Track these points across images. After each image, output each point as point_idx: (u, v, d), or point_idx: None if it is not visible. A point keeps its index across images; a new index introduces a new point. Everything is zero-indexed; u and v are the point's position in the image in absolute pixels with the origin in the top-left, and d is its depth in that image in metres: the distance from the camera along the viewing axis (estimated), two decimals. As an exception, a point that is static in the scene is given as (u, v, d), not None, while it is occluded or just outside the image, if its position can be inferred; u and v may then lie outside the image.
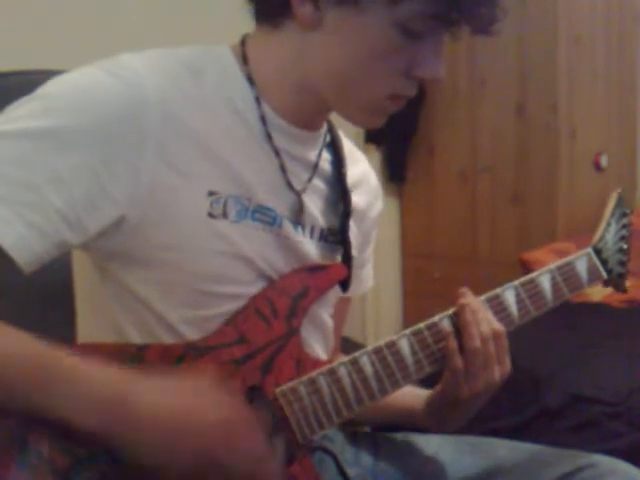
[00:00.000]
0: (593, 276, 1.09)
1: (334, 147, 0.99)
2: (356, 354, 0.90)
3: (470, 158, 2.88)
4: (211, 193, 0.84)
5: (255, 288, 0.88)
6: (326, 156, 0.98)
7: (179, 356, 0.83)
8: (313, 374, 0.88)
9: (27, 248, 0.76)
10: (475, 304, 0.95)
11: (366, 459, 1.08)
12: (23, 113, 0.79)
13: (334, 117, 1.01)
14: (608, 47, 2.89)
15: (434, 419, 1.04)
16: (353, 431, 1.14)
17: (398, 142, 2.93)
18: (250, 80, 0.89)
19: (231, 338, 0.86)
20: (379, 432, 1.16)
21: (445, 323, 0.94)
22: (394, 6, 0.81)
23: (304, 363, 0.89)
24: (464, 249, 2.92)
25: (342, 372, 0.89)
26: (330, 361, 0.91)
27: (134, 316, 0.86)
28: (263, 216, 0.89)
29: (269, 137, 0.89)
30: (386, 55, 0.84)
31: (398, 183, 3.03)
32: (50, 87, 0.81)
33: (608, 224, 1.13)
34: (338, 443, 1.08)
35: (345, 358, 0.90)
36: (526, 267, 2.26)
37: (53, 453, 0.74)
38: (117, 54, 0.84)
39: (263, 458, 0.77)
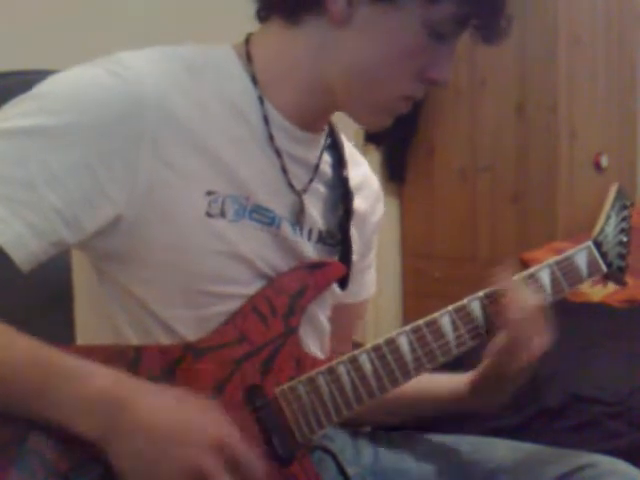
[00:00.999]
0: (593, 270, 1.08)
1: (335, 149, 0.99)
2: (355, 352, 0.90)
3: (470, 158, 2.87)
4: (209, 193, 0.84)
5: (253, 288, 0.88)
6: (327, 158, 0.98)
7: (178, 357, 0.83)
8: (312, 373, 0.88)
9: (24, 247, 0.76)
10: (515, 282, 0.97)
11: (366, 458, 1.08)
12: (20, 111, 0.79)
13: (333, 118, 1.01)
14: (608, 47, 2.89)
15: (480, 399, 1.03)
16: (353, 430, 1.14)
17: (398, 142, 2.93)
18: (253, 79, 0.89)
19: (230, 338, 0.86)
20: (379, 431, 1.16)
21: (475, 305, 0.95)
22: (430, 6, 0.82)
23: (303, 362, 0.89)
24: (464, 249, 2.91)
25: (341, 370, 0.88)
26: (329, 360, 0.91)
27: (132, 316, 0.86)
28: (261, 216, 0.88)
29: (271, 137, 0.89)
30: (411, 55, 0.86)
31: (398, 183, 3.03)
32: (48, 85, 0.81)
33: (608, 217, 1.12)
34: (338, 442, 1.08)
35: (344, 356, 0.89)
36: (526, 267, 2.26)
37: (55, 456, 0.74)
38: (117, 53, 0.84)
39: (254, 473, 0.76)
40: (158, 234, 0.82)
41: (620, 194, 1.15)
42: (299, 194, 0.92)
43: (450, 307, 0.95)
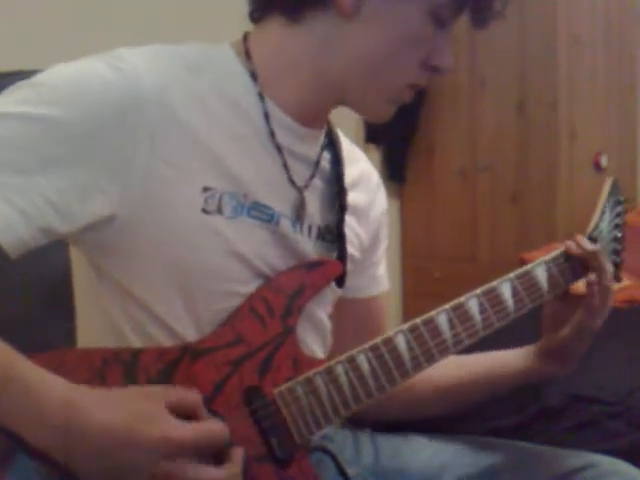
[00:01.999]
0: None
1: (333, 146, 0.99)
2: (353, 352, 0.89)
3: (470, 158, 2.87)
4: (206, 189, 0.84)
5: (251, 286, 0.88)
6: (326, 155, 0.98)
7: (175, 359, 0.83)
8: (310, 373, 0.87)
9: (12, 232, 0.75)
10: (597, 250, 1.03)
11: (366, 459, 1.08)
12: (19, 98, 0.78)
13: (332, 117, 1.01)
14: (608, 47, 2.89)
15: (556, 364, 1.07)
16: (353, 430, 1.14)
17: (398, 142, 2.93)
18: (253, 77, 0.89)
19: (228, 339, 0.86)
20: (379, 432, 1.16)
21: (472, 304, 0.96)
22: None
23: (301, 362, 0.89)
24: (464, 249, 2.91)
25: (339, 370, 0.88)
26: (326, 360, 0.91)
27: (130, 314, 0.86)
28: (260, 213, 0.88)
29: (272, 134, 0.89)
30: (417, 43, 0.87)
31: (398, 183, 3.03)
32: (48, 75, 0.81)
33: (602, 212, 1.11)
34: (338, 443, 1.08)
35: (342, 356, 0.89)
36: (526, 267, 2.26)
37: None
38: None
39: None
40: (153, 230, 0.82)
41: (614, 189, 1.14)
42: (300, 190, 0.92)
43: (447, 305, 0.95)
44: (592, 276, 1.01)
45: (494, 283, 0.99)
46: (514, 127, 2.76)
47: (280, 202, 0.90)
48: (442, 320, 0.94)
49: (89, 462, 0.70)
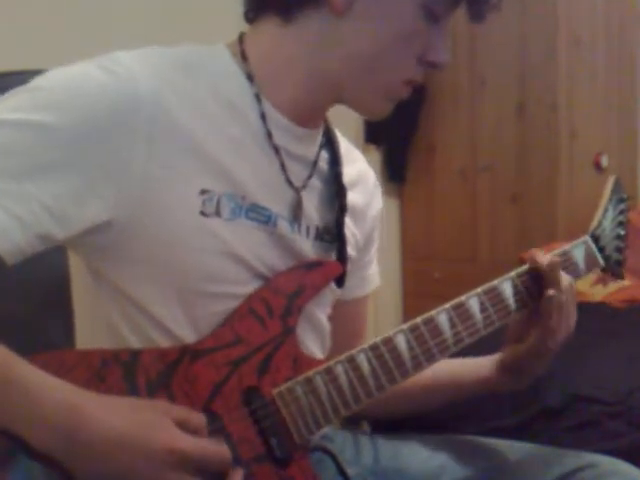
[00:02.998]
0: (590, 264, 1.08)
1: (331, 146, 0.99)
2: (353, 352, 0.89)
3: (470, 158, 2.87)
4: (203, 191, 0.84)
5: (250, 288, 0.88)
6: (323, 155, 0.98)
7: (174, 360, 0.82)
8: (310, 373, 0.87)
9: (9, 238, 0.74)
10: (553, 261, 0.98)
11: (366, 458, 1.08)
12: (14, 104, 0.78)
13: (332, 117, 1.01)
14: (608, 47, 2.89)
15: (512, 378, 1.04)
16: (353, 430, 1.14)
17: (398, 142, 2.93)
18: (250, 78, 0.89)
19: (227, 340, 0.85)
20: (379, 432, 1.16)
21: (473, 302, 0.95)
22: None
23: (300, 362, 0.88)
24: (464, 249, 2.91)
25: (339, 370, 0.88)
26: (326, 360, 0.90)
27: (129, 317, 0.85)
28: (258, 215, 0.88)
29: (269, 135, 0.89)
30: (411, 38, 0.87)
31: (398, 183, 3.03)
32: (43, 81, 0.81)
33: (605, 210, 1.11)
34: (338, 443, 1.08)
35: (342, 356, 0.89)
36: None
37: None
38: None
39: None
40: (151, 233, 0.82)
41: (617, 187, 1.14)
42: (297, 191, 0.92)
43: (448, 305, 0.95)
44: (550, 292, 0.97)
45: (495, 282, 0.98)
46: (514, 127, 2.76)
47: (277, 203, 0.90)
48: (442, 319, 0.94)
49: (91, 465, 0.70)
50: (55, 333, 1.01)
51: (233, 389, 0.84)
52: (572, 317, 1.00)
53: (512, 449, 1.08)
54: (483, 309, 0.96)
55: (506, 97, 2.76)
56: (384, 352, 0.90)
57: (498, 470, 1.04)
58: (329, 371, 0.88)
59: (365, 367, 0.89)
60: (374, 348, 0.90)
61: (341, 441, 1.09)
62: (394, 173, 2.98)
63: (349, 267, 0.99)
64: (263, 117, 0.88)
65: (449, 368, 1.06)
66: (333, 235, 0.97)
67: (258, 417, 0.85)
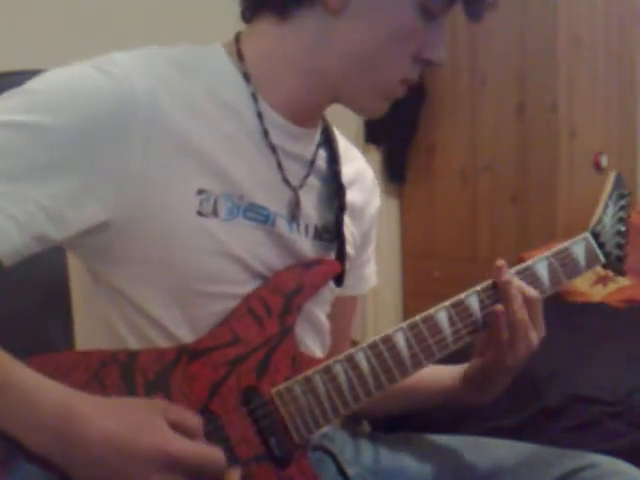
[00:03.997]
0: (591, 261, 1.07)
1: (329, 144, 0.99)
2: (352, 350, 0.89)
3: (470, 158, 2.88)
4: (200, 191, 0.83)
5: (248, 287, 0.88)
6: (322, 154, 0.97)
7: (172, 360, 0.82)
8: (309, 372, 0.87)
9: (6, 240, 0.74)
10: (513, 278, 0.97)
11: (366, 459, 1.08)
12: (10, 106, 0.78)
13: (332, 117, 1.01)
14: (608, 47, 2.89)
15: (475, 391, 1.04)
16: (353, 430, 1.14)
17: (398, 142, 2.93)
18: (246, 77, 0.89)
19: (225, 339, 0.85)
20: (379, 432, 1.16)
21: (472, 300, 0.95)
22: None
23: (299, 361, 0.88)
24: (464, 249, 2.91)
25: (338, 369, 0.88)
26: (325, 359, 0.90)
27: (127, 318, 0.85)
28: (255, 214, 0.88)
29: (266, 134, 0.89)
30: (406, 36, 0.87)
31: (398, 183, 3.03)
32: (39, 82, 0.80)
33: (606, 206, 1.11)
34: (338, 442, 1.08)
35: (341, 355, 0.89)
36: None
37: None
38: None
39: None
40: (148, 233, 0.82)
41: (618, 183, 1.13)
42: (295, 190, 0.92)
43: (447, 302, 0.95)
44: (497, 307, 0.95)
45: (491, 280, 0.98)
46: (514, 127, 2.76)
47: (275, 202, 0.90)
48: (442, 317, 0.94)
49: (87, 468, 0.70)
50: (54, 333, 1.01)
51: (232, 389, 0.84)
52: (532, 335, 0.96)
53: (512, 449, 1.08)
54: (483, 307, 0.96)
55: (506, 97, 2.77)
56: (383, 351, 0.90)
57: (498, 470, 1.04)
58: (328, 370, 0.88)
59: (364, 366, 0.89)
60: (373, 347, 0.90)
61: (341, 441, 1.09)
62: (394, 173, 2.98)
63: (347, 266, 0.99)
64: (260, 116, 0.88)
65: (422, 373, 1.01)
66: (332, 234, 0.97)
67: (257, 417, 0.84)
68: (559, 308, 1.04)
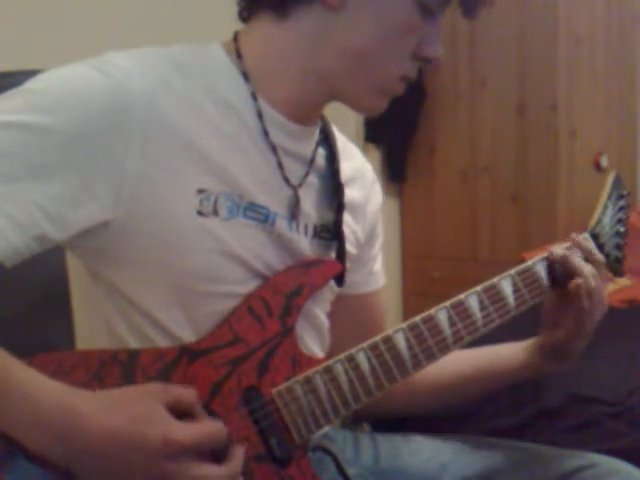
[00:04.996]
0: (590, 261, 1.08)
1: (328, 142, 0.99)
2: (352, 350, 0.89)
3: (470, 158, 2.87)
4: (200, 191, 0.83)
5: (248, 287, 0.88)
6: (321, 151, 0.97)
7: (172, 360, 0.82)
8: (309, 372, 0.87)
9: (5, 241, 0.74)
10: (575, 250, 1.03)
11: (366, 459, 1.08)
12: (8, 106, 0.78)
13: (332, 116, 1.01)
14: (608, 47, 2.89)
15: (556, 361, 1.07)
16: (354, 430, 1.14)
17: (398, 142, 2.93)
18: (245, 76, 0.89)
19: (225, 339, 0.85)
20: (379, 432, 1.16)
21: (472, 300, 0.96)
22: None
23: (300, 361, 0.88)
24: (464, 249, 2.91)
25: (338, 369, 0.88)
26: (325, 359, 0.90)
27: (127, 318, 0.85)
28: (255, 214, 0.88)
29: (265, 133, 0.89)
30: (405, 33, 0.87)
31: (398, 183, 3.03)
32: (37, 82, 0.80)
33: (605, 207, 1.11)
34: (338, 443, 1.08)
35: (341, 355, 0.89)
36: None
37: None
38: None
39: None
40: (148, 233, 0.82)
41: (617, 184, 1.13)
42: (294, 188, 0.92)
43: (447, 303, 0.95)
44: (578, 280, 0.99)
45: (494, 280, 0.98)
46: (514, 127, 2.76)
47: (275, 201, 0.90)
48: (442, 317, 0.94)
49: (89, 466, 0.70)
50: (54, 333, 1.01)
51: (232, 389, 0.84)
52: (605, 299, 1.02)
53: (512, 449, 1.08)
54: (483, 307, 0.96)
55: (506, 97, 2.76)
56: (383, 351, 0.90)
57: (498, 470, 1.04)
58: (328, 370, 0.88)
59: (364, 366, 0.89)
60: (373, 347, 0.90)
61: (341, 441, 1.09)
62: (394, 173, 2.98)
63: (349, 265, 0.99)
64: (259, 115, 0.88)
65: (475, 362, 1.09)
66: (332, 233, 0.97)
67: (258, 417, 0.85)
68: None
